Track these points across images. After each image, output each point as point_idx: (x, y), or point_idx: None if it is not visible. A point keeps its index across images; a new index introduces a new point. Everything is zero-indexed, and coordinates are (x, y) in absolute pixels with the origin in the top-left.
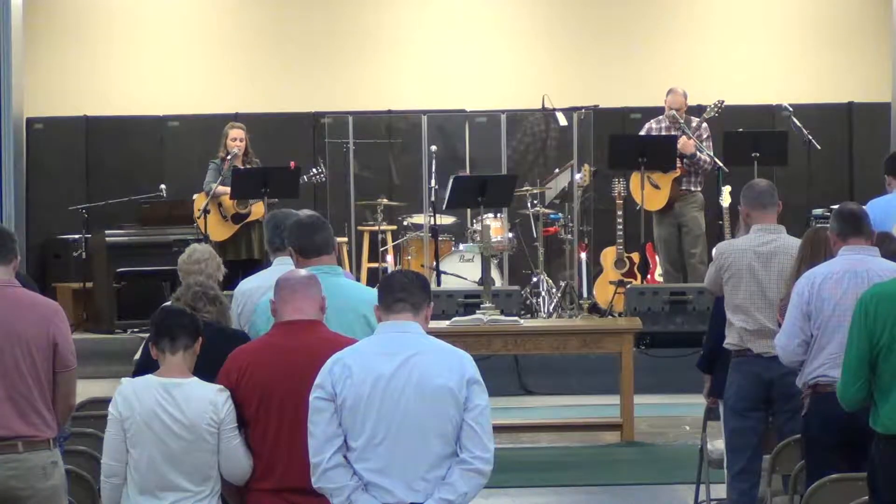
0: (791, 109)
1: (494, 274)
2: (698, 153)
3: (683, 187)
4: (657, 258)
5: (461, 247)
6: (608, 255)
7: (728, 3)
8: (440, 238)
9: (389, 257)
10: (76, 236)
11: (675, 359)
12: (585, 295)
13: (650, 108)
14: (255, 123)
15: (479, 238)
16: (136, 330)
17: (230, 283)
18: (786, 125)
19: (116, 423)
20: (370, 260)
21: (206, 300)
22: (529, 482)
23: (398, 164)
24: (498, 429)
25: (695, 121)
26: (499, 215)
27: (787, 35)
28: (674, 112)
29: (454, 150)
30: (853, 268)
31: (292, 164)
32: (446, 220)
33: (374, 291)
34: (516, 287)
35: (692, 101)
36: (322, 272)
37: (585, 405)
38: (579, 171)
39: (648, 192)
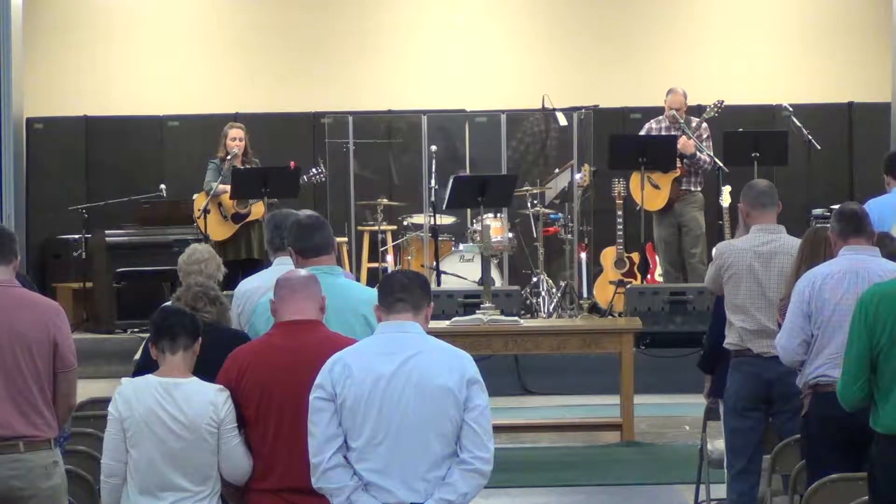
0: (791, 109)
1: (494, 274)
2: (698, 153)
3: (683, 187)
4: (657, 258)
5: (461, 247)
6: (608, 255)
7: (728, 3)
8: (440, 238)
9: (389, 257)
10: (76, 236)
11: (675, 359)
12: (585, 295)
13: (650, 108)
14: (255, 123)
15: (479, 238)
16: (136, 330)
17: (230, 283)
18: (786, 125)
19: (116, 423)
20: (370, 260)
21: (206, 300)
22: (529, 482)
23: (398, 164)
24: (498, 429)
25: (695, 121)
26: (499, 215)
27: (787, 35)
28: (674, 112)
29: (454, 150)
30: (854, 268)
31: (292, 164)
32: (446, 220)
33: (374, 291)
34: (516, 287)
35: (692, 101)
36: (322, 272)
37: (585, 405)
38: (579, 171)
39: (648, 192)
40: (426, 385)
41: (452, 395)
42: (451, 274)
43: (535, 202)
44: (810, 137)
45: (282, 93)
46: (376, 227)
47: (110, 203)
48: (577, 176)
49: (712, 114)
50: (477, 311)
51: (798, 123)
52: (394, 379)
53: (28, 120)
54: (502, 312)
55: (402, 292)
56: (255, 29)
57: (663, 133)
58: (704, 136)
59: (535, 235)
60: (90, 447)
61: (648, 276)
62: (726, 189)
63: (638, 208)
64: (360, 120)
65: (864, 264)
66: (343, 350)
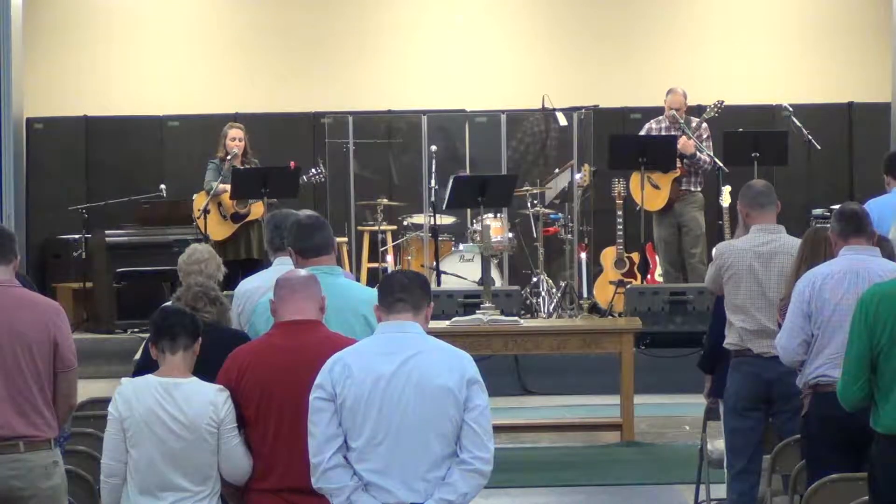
0: (791, 109)
1: (494, 274)
2: (698, 153)
3: (683, 187)
4: (657, 258)
5: (461, 247)
6: (608, 255)
7: (728, 3)
8: (440, 238)
9: (389, 257)
10: (76, 236)
11: (675, 359)
12: (585, 295)
13: (650, 108)
14: (255, 123)
15: (479, 238)
16: (136, 330)
17: (230, 283)
18: (786, 125)
19: (116, 423)
20: (370, 260)
21: (206, 300)
22: (529, 482)
23: (398, 164)
24: (498, 429)
25: (695, 121)
26: (499, 215)
27: (787, 35)
28: (674, 112)
29: (454, 150)
30: (854, 268)
31: (292, 164)
32: (446, 220)
33: (374, 291)
34: (516, 287)
35: (692, 101)
36: (322, 272)
37: (585, 405)
38: (579, 171)
39: (648, 192)
40: (426, 385)
41: (452, 395)
42: (451, 274)
43: (535, 202)
44: (810, 137)
45: (282, 93)
46: (376, 227)
47: (110, 203)
48: (577, 176)
49: (712, 114)
50: (477, 311)
51: (798, 123)
52: (394, 379)
53: (28, 120)
54: (502, 312)
55: (402, 292)
56: (255, 29)
57: (663, 133)
58: (704, 136)
59: (535, 235)
60: (90, 447)
61: (648, 276)
62: (726, 189)
63: (638, 208)
64: (360, 120)
65: (864, 264)
66: (343, 350)
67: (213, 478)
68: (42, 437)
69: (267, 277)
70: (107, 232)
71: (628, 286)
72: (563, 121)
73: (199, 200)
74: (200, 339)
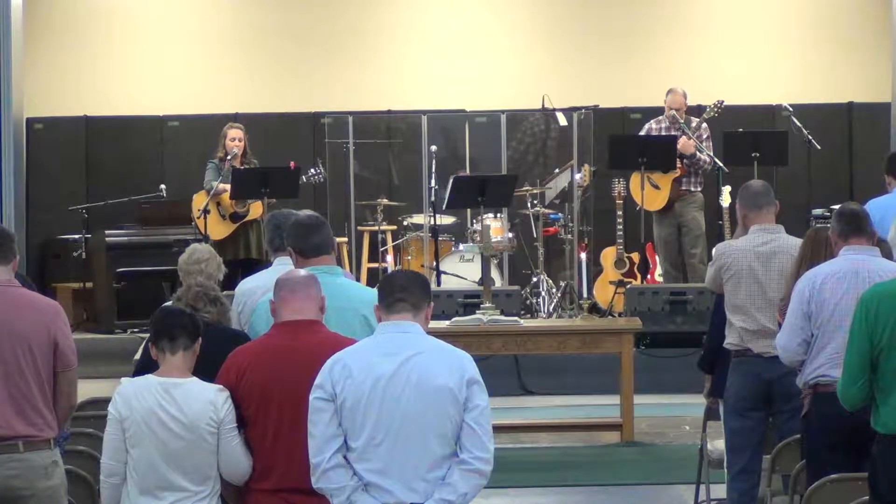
0: (791, 109)
1: (494, 274)
2: (698, 153)
3: (683, 187)
4: (657, 258)
5: (461, 247)
6: (608, 255)
7: (728, 3)
8: (440, 238)
9: (389, 257)
10: (76, 236)
11: (675, 359)
12: (585, 295)
13: (650, 108)
14: (255, 123)
15: (479, 238)
16: (136, 330)
17: (230, 283)
18: (786, 125)
19: (116, 423)
20: (370, 260)
21: (206, 300)
22: (529, 482)
23: (398, 164)
24: (498, 429)
25: (695, 121)
26: (499, 215)
27: (787, 35)
28: (674, 112)
29: (454, 150)
30: (854, 268)
31: (292, 164)
32: (446, 220)
33: (374, 291)
34: (516, 287)
35: (692, 101)
36: (321, 272)
37: (585, 405)
38: (579, 171)
39: (648, 192)
40: (426, 385)
41: (452, 395)
42: (451, 274)
43: (535, 202)
44: (810, 137)
45: (282, 93)
46: (376, 227)
47: (110, 203)
48: (577, 176)
49: (712, 114)
50: (477, 311)
51: (798, 123)
52: (394, 379)
53: (28, 120)
54: (502, 312)
55: (402, 292)
56: (255, 29)
57: (663, 133)
58: (704, 136)
59: (535, 235)
60: (90, 447)
61: (648, 276)
62: (726, 189)
63: (638, 208)
64: (360, 120)
65: (864, 264)
66: (343, 350)
67: (213, 478)
68: (42, 437)
69: (267, 277)
70: (107, 232)
71: (628, 286)
72: (563, 121)
73: (199, 200)
74: (200, 339)
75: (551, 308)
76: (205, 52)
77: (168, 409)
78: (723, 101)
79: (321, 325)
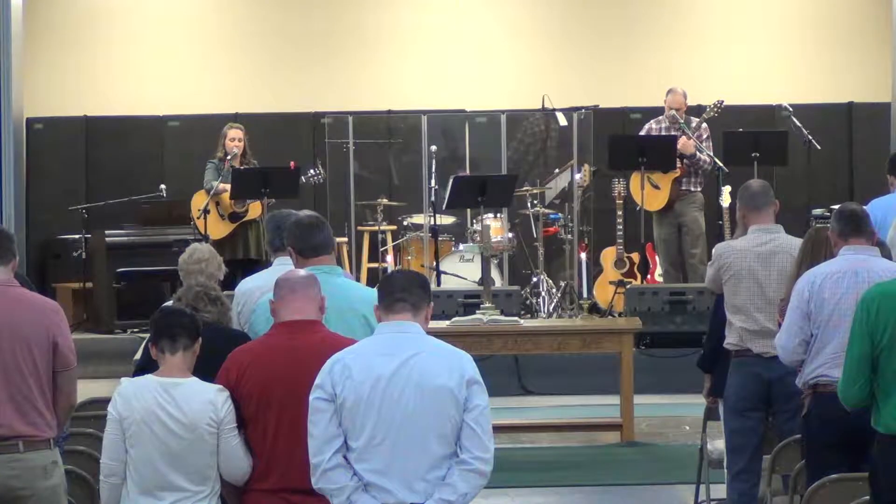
0: (791, 109)
1: (494, 274)
2: (698, 153)
3: (683, 187)
4: (657, 258)
5: (461, 247)
6: (608, 255)
7: (728, 3)
8: (440, 238)
9: (389, 257)
10: (76, 236)
11: (675, 359)
12: (585, 295)
13: (650, 108)
14: (255, 123)
15: (479, 238)
16: (135, 330)
17: (230, 283)
18: (786, 125)
19: (115, 423)
20: (370, 260)
21: (207, 300)
22: (529, 482)
23: (398, 164)
24: (498, 429)
25: (695, 121)
26: (499, 215)
27: (787, 35)
28: (674, 112)
29: (454, 150)
30: (854, 268)
31: (292, 164)
32: (446, 220)
33: (374, 291)
34: (516, 287)
35: (692, 101)
36: (321, 272)
37: (585, 405)
38: (579, 171)
39: (648, 192)
40: (426, 385)
41: (452, 395)
42: (451, 274)
43: (535, 202)
44: (810, 137)
45: (282, 93)
46: (376, 227)
47: (110, 203)
48: (577, 176)
49: (712, 114)
50: (477, 311)
51: (798, 123)
52: (394, 379)
53: (28, 120)
54: (502, 312)
55: (402, 292)
56: (256, 29)
57: (663, 133)
58: (704, 136)
59: (535, 235)
60: (90, 447)
61: (648, 276)
62: (726, 189)
63: (638, 208)
64: (360, 120)
65: (864, 264)
66: (343, 350)
67: (213, 478)
68: (41, 437)
69: (267, 278)
70: (107, 232)
71: (628, 286)
72: (563, 121)
73: (198, 200)
74: (200, 339)
75: (551, 308)
76: (205, 52)
77: (168, 409)
78: (723, 101)
79: (321, 326)
